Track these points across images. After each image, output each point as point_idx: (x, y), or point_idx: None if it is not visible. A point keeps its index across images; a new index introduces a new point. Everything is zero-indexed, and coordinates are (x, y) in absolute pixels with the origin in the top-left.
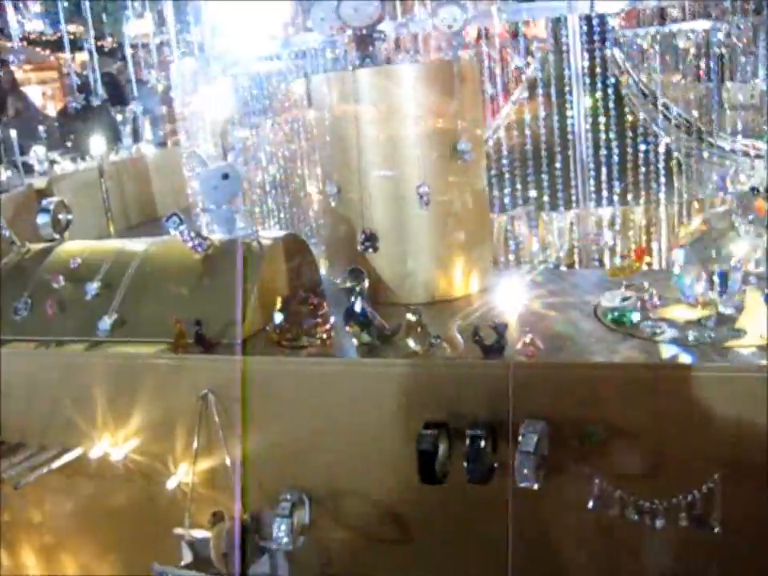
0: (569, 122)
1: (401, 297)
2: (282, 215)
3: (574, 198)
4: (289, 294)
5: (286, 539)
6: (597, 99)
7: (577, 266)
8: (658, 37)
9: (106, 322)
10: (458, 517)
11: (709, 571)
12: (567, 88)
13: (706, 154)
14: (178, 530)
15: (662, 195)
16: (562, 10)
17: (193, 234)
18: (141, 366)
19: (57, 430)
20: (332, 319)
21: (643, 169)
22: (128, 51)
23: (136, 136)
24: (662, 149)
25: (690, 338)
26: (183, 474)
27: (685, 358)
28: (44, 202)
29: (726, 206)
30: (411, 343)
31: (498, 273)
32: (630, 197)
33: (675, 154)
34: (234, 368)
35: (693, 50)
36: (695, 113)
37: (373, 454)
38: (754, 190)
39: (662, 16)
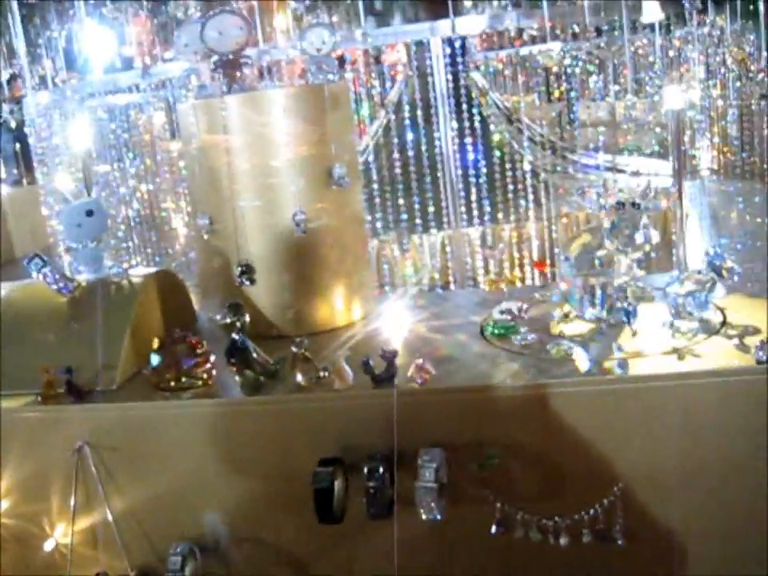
0: (436, 143)
1: (282, 329)
2: (148, 251)
3: (444, 219)
4: (165, 334)
5: None
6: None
7: (452, 286)
8: (513, 59)
9: None
10: (357, 553)
11: None
12: (432, 110)
13: (569, 170)
14: None
15: (530, 212)
16: (425, 33)
17: (57, 276)
18: (7, 421)
19: None
20: (212, 357)
21: (511, 187)
22: None
23: None
24: (526, 167)
25: (553, 351)
26: (61, 535)
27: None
28: None
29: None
30: (298, 377)
31: (379, 298)
32: (499, 215)
33: (539, 172)
34: (111, 416)
35: (549, 70)
36: (555, 131)
37: (265, 496)
38: (619, 204)
39: (519, 37)
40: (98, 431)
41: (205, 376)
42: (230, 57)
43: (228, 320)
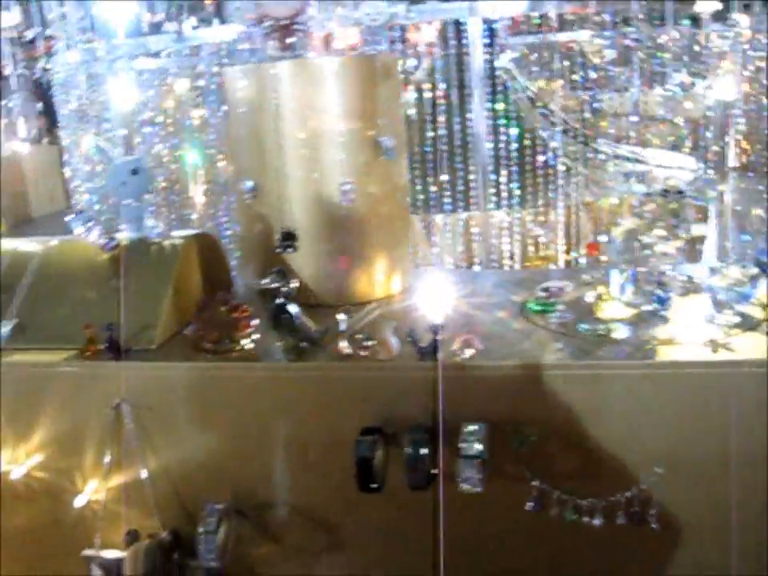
0: (468, 125)
1: (321, 298)
2: (171, 216)
3: (473, 200)
4: (206, 296)
5: (212, 557)
6: (509, 102)
7: (477, 266)
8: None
9: (4, 328)
10: (393, 523)
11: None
12: (467, 91)
13: (595, 159)
14: (88, 552)
15: (555, 198)
16: (463, 12)
17: (101, 232)
18: (47, 375)
19: None
20: (254, 321)
21: (536, 173)
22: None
23: (9, 133)
24: (550, 153)
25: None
26: (92, 491)
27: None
28: None
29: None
30: (343, 345)
31: (415, 273)
32: (524, 200)
33: (563, 158)
34: (149, 375)
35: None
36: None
37: (303, 462)
38: (665, 192)
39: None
40: (136, 389)
41: (247, 340)
42: (285, 22)
43: (274, 285)
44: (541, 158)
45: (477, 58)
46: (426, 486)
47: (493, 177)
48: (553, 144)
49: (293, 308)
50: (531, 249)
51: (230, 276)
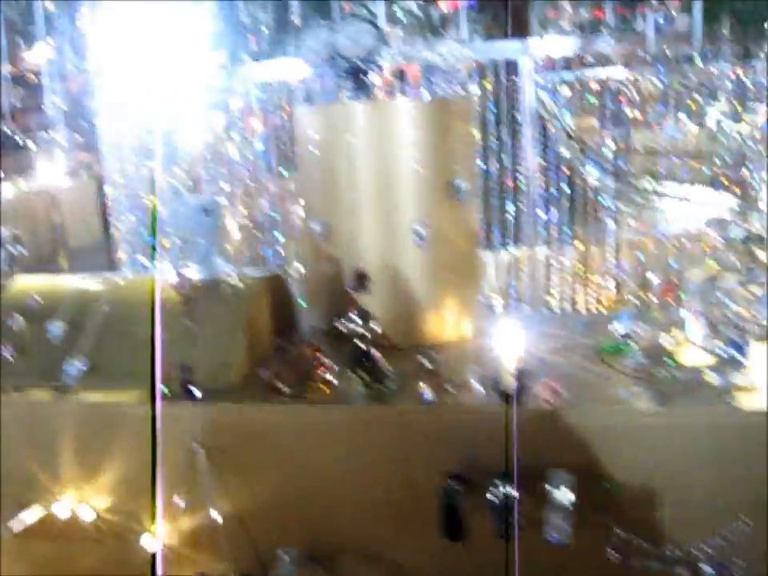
0: (520, 162)
1: (393, 339)
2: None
3: (520, 237)
4: (282, 337)
5: None
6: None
7: (524, 305)
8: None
9: (74, 367)
10: (474, 570)
11: None
12: (517, 127)
13: (633, 197)
14: None
15: (594, 236)
16: (514, 51)
17: (176, 271)
18: (119, 416)
19: (13, 485)
20: (332, 364)
21: (576, 209)
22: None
23: (47, 166)
24: (591, 190)
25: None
26: (163, 533)
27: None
28: None
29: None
30: (426, 390)
31: (484, 314)
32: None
33: (602, 195)
34: (225, 416)
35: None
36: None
37: (380, 507)
38: (747, 239)
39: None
40: (210, 431)
41: (324, 382)
42: (359, 63)
43: (354, 327)
44: (585, 195)
45: (528, 95)
46: (512, 534)
47: (541, 213)
48: (593, 181)
49: (373, 351)
50: (584, 288)
51: (297, 317)
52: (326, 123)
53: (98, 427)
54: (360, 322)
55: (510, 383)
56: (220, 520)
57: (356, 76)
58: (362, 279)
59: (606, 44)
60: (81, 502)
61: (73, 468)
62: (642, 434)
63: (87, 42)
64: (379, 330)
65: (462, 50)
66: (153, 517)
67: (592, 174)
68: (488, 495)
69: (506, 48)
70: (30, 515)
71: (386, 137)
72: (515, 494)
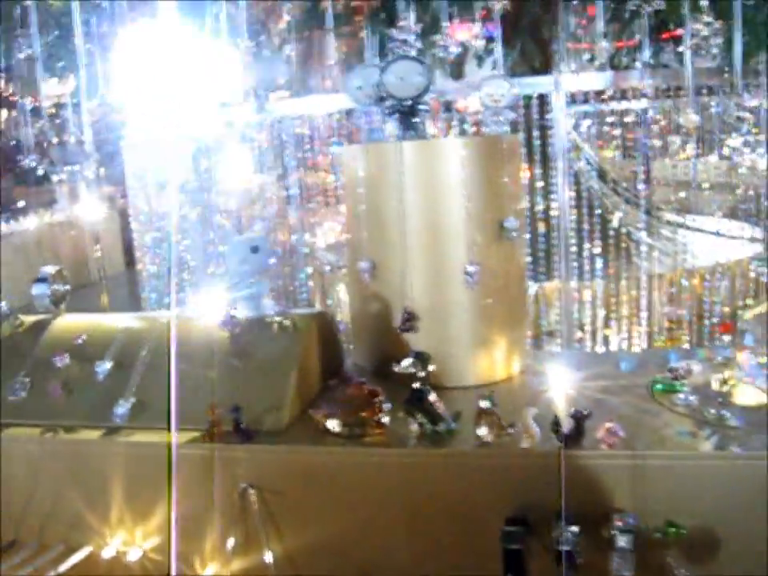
0: (552, 197)
1: (440, 379)
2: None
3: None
4: (338, 378)
5: None
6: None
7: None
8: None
9: (123, 407)
10: None
11: None
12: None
13: (662, 230)
14: None
15: (626, 270)
16: (547, 86)
17: (225, 312)
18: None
19: (60, 526)
20: (387, 406)
21: (601, 243)
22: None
23: (70, 198)
24: (615, 223)
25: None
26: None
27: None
28: (42, 271)
29: None
30: (482, 431)
31: (530, 353)
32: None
33: (628, 228)
34: (278, 459)
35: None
36: (641, 187)
37: (437, 551)
38: None
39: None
40: (263, 473)
41: (377, 424)
42: (409, 103)
43: (413, 369)
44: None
45: (560, 131)
46: None
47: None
48: (618, 214)
49: (431, 393)
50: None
51: (342, 356)
52: (373, 161)
53: (148, 468)
54: (418, 364)
55: (568, 424)
56: (271, 561)
57: (405, 115)
58: (410, 319)
59: (637, 78)
60: (129, 542)
61: (121, 509)
62: (701, 476)
63: (112, 73)
64: (432, 371)
65: (508, 87)
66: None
67: (618, 207)
68: (552, 538)
69: (538, 83)
70: (78, 556)
71: (435, 175)
72: (577, 537)
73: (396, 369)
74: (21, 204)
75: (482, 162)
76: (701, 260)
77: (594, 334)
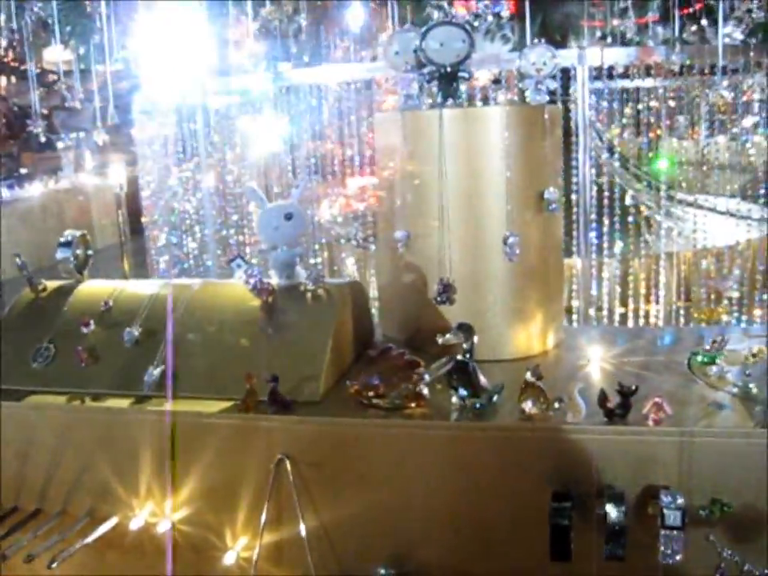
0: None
1: (476, 353)
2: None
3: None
4: (379, 348)
5: None
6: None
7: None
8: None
9: (152, 375)
10: None
11: None
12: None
13: (673, 209)
14: None
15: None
16: (571, 60)
17: (260, 279)
18: (203, 426)
19: (86, 496)
20: (427, 377)
21: (615, 221)
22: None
23: (75, 165)
24: (628, 201)
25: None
26: (243, 548)
27: None
28: (65, 236)
29: None
30: (528, 405)
31: (565, 328)
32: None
33: (642, 208)
34: (314, 430)
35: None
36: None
37: (477, 525)
38: None
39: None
40: (298, 444)
41: (417, 395)
42: (449, 69)
43: (456, 340)
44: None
45: (583, 105)
46: (623, 556)
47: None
48: (630, 192)
49: (474, 365)
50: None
51: (373, 327)
52: (410, 129)
53: (183, 438)
54: (462, 335)
55: (615, 399)
56: (305, 535)
57: (446, 81)
58: (446, 290)
59: (662, 55)
60: (156, 514)
61: (151, 479)
62: (747, 453)
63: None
64: (476, 343)
65: (551, 55)
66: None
67: (630, 185)
68: (598, 515)
69: (562, 57)
70: (105, 527)
71: (475, 144)
72: (624, 513)
73: (440, 340)
74: (24, 171)
75: (523, 131)
76: (713, 240)
77: (610, 312)
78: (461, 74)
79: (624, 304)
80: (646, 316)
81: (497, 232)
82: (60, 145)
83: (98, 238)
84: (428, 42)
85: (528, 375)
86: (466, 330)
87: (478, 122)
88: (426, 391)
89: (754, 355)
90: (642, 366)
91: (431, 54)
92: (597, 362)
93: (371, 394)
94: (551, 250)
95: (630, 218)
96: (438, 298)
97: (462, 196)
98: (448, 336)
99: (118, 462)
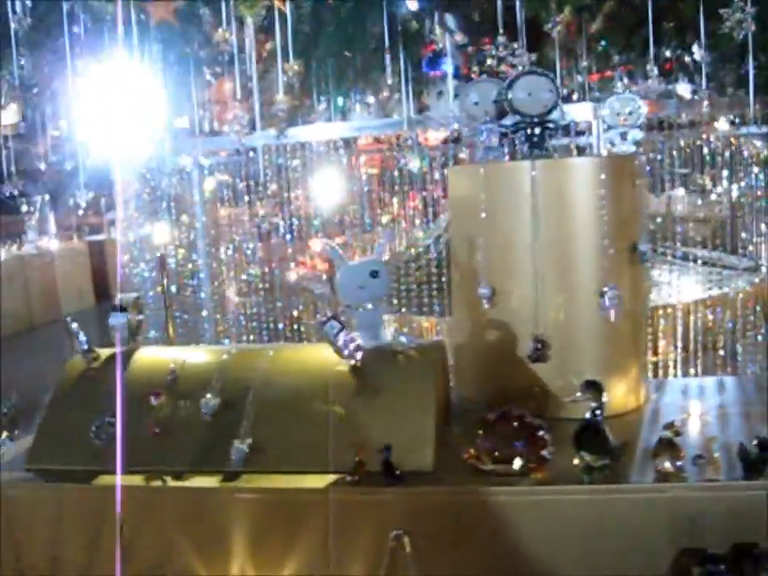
0: None
1: (570, 411)
2: None
3: None
4: (499, 411)
5: None
6: None
7: None
8: None
9: (240, 449)
10: None
11: None
12: None
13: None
14: None
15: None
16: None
17: (352, 343)
18: (306, 504)
19: None
20: (550, 441)
21: None
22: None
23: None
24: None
25: None
26: None
27: None
28: (120, 300)
29: None
30: (667, 464)
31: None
32: None
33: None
34: (428, 501)
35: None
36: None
37: None
38: None
39: None
40: (416, 517)
41: (539, 459)
42: (535, 119)
43: (586, 399)
44: None
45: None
46: None
47: None
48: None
49: (603, 424)
50: None
51: (449, 386)
52: (494, 182)
53: (282, 515)
54: (593, 393)
55: (754, 453)
56: None
57: (531, 133)
58: (541, 347)
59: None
60: None
61: (251, 556)
62: None
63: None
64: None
65: (638, 105)
66: None
67: None
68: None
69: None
70: None
71: (565, 196)
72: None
73: (567, 399)
74: None
75: (615, 181)
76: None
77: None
78: (548, 124)
79: (655, 353)
80: (665, 366)
81: (590, 286)
82: (23, 208)
83: (64, 305)
84: (515, 92)
85: (665, 433)
86: (596, 387)
87: (568, 173)
88: (548, 455)
89: None
90: (745, 416)
91: (518, 104)
92: (697, 415)
93: (491, 459)
94: (640, 302)
95: None
96: (532, 356)
97: (554, 249)
98: (578, 395)
99: (205, 544)
